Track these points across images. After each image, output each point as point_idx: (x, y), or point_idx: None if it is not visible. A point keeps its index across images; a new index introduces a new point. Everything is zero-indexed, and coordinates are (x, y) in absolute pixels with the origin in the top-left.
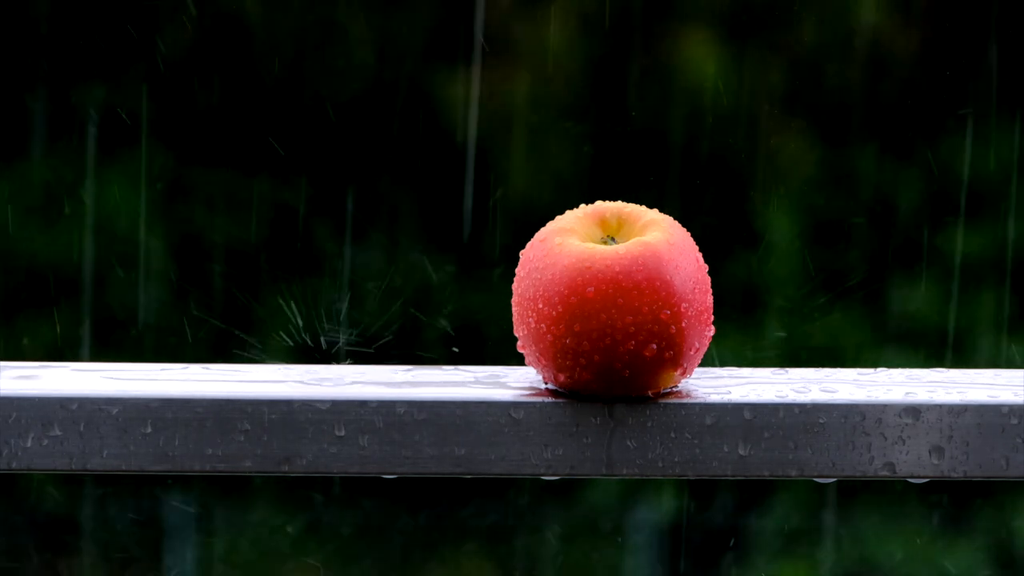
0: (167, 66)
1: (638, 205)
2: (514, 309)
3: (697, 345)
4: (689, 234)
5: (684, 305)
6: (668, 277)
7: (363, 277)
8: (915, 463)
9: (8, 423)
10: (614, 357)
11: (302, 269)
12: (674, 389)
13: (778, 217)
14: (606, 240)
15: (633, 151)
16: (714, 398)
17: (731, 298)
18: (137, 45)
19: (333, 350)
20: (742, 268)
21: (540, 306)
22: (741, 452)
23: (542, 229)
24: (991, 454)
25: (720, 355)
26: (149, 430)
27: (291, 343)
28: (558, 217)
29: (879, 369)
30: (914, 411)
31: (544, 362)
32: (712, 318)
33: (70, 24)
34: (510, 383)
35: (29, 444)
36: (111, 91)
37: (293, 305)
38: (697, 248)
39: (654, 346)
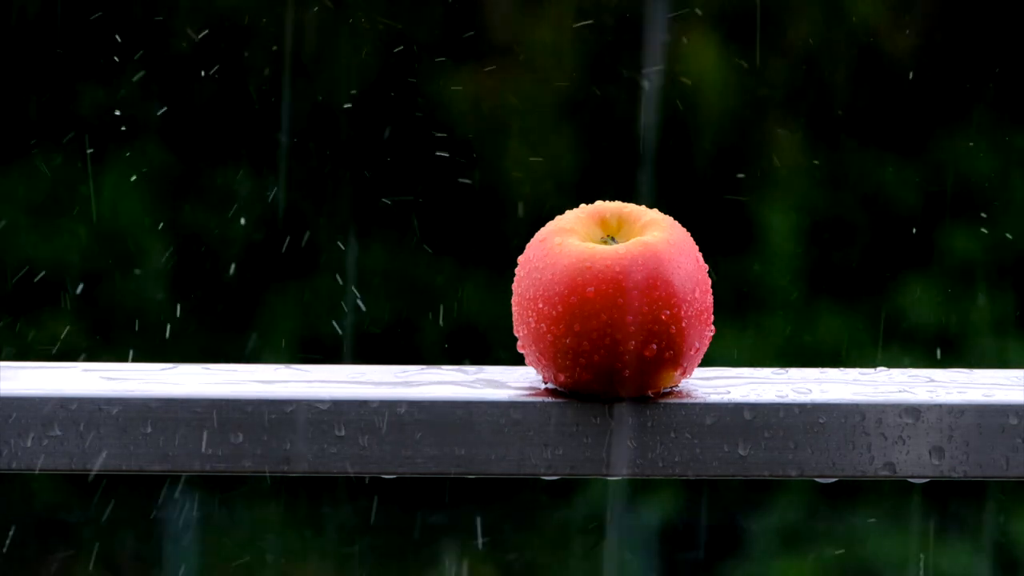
0: (168, 65)
1: (638, 205)
2: (514, 309)
3: (697, 345)
4: (689, 234)
5: (684, 305)
6: (668, 277)
7: (363, 276)
8: (915, 463)
9: (8, 423)
10: (614, 357)
11: (302, 268)
12: (674, 389)
13: (778, 217)
14: (606, 240)
15: (633, 151)
16: (714, 398)
17: (731, 298)
18: (138, 44)
19: (333, 350)
20: (742, 268)
21: (540, 306)
22: (741, 452)
23: (542, 229)
24: (991, 454)
25: (720, 355)
26: (149, 430)
27: (291, 343)
28: (558, 217)
29: (879, 369)
30: (914, 411)
31: (544, 362)
32: (712, 318)
33: (70, 23)
34: (510, 383)
35: (29, 444)
36: (111, 90)
37: (293, 305)
38: (697, 248)
39: (654, 346)
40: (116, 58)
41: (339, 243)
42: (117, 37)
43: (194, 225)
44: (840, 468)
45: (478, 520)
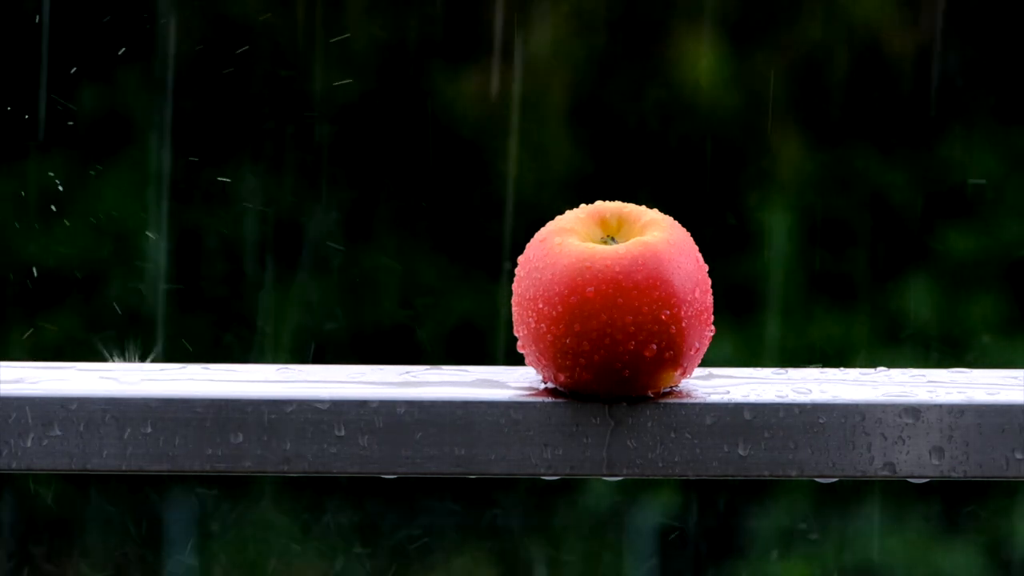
0: (169, 65)
1: (638, 205)
2: (514, 309)
3: (697, 345)
4: (689, 234)
5: (684, 305)
6: (668, 277)
7: (363, 276)
8: (915, 463)
9: (8, 423)
10: (614, 357)
11: (302, 268)
12: (674, 389)
13: (777, 217)
14: (606, 240)
15: (633, 151)
16: (714, 398)
17: (731, 298)
18: (138, 44)
19: (333, 350)
20: (741, 268)
21: (540, 306)
22: (741, 452)
23: (542, 229)
24: (991, 454)
25: (720, 355)
26: (149, 430)
27: (291, 343)
28: (558, 217)
29: (879, 369)
30: (914, 411)
31: (544, 362)
32: (712, 318)
33: (71, 22)
34: (510, 383)
35: (29, 444)
36: (112, 90)
37: (293, 305)
38: (697, 248)
39: (654, 346)
40: (117, 58)
41: (338, 243)
42: (118, 37)
43: (194, 224)
44: (840, 468)
45: (478, 520)
